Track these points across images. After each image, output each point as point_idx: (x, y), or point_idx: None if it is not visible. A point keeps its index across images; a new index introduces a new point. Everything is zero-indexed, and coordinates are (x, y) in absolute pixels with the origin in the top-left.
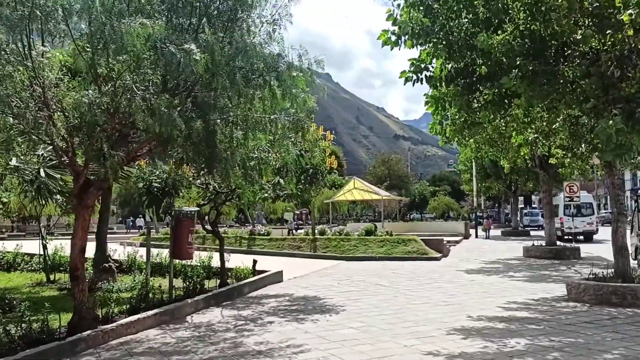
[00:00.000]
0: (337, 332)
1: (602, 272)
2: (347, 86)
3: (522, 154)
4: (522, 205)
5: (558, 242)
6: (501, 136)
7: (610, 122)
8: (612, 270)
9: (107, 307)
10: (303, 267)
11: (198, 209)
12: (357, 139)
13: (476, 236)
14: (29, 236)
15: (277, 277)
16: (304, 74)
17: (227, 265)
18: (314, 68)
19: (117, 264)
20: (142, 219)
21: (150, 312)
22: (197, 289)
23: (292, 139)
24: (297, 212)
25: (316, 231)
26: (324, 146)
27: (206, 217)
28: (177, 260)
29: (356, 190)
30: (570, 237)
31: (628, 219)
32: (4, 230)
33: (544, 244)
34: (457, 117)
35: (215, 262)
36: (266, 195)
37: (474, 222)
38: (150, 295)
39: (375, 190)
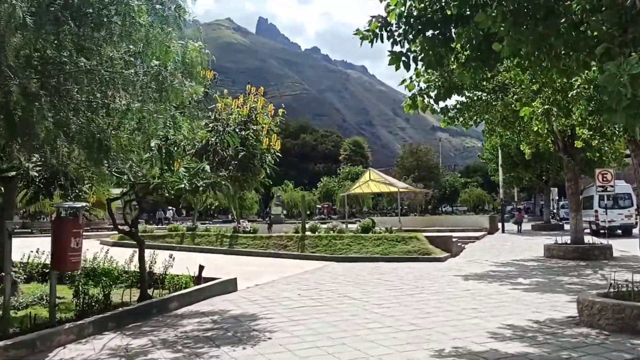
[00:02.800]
0: None
1: (627, 284)
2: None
3: (535, 130)
4: (557, 197)
5: (592, 238)
6: (515, 114)
7: (623, 64)
8: None
9: None
10: (280, 270)
11: (84, 204)
12: (393, 131)
13: (503, 231)
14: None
15: (228, 287)
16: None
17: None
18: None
19: (20, 273)
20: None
21: None
22: (93, 306)
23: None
24: (319, 205)
25: (306, 228)
26: (266, 122)
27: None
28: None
29: (372, 182)
30: (605, 231)
31: None
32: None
33: (569, 242)
34: (431, 79)
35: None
36: (181, 186)
37: (500, 216)
38: (25, 313)
39: (390, 181)
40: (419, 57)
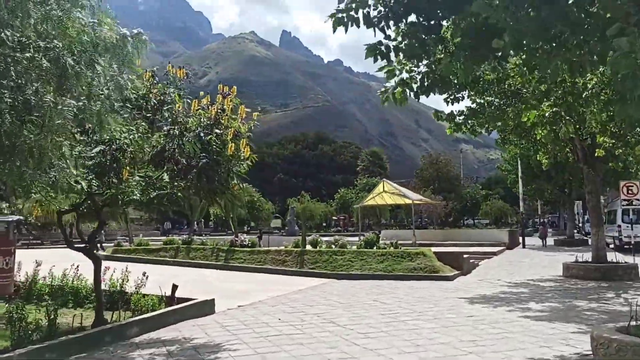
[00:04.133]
0: None
1: None
2: None
3: (538, 138)
4: (582, 210)
5: (616, 255)
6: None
7: (639, 40)
8: None
9: None
10: (272, 288)
11: (13, 218)
12: (416, 143)
13: (523, 246)
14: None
15: (204, 309)
16: None
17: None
18: None
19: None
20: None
21: None
22: (30, 335)
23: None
24: (336, 217)
25: (307, 242)
26: (233, 126)
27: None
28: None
29: (386, 193)
30: (629, 246)
31: None
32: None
33: (590, 260)
34: (415, 69)
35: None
36: (134, 197)
37: (520, 230)
38: None
39: (404, 192)
40: (401, 46)
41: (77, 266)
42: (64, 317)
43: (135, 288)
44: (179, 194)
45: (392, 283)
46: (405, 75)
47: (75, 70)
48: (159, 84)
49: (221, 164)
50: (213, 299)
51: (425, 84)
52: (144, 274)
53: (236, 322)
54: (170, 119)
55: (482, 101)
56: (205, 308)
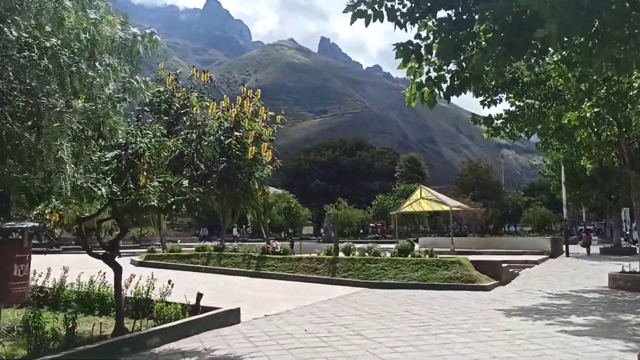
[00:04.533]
0: None
1: None
2: None
3: (578, 140)
4: (630, 218)
5: None
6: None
7: None
8: None
9: None
10: (302, 297)
11: (30, 224)
12: (456, 149)
13: (567, 254)
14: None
15: (229, 319)
16: None
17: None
18: None
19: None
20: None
21: None
22: (46, 344)
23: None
24: (373, 224)
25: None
26: (254, 128)
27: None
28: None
29: (423, 200)
30: None
31: None
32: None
33: (638, 270)
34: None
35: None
36: (152, 203)
37: (564, 237)
38: None
39: (442, 199)
40: (434, 44)
41: (104, 273)
42: (88, 325)
43: (160, 296)
44: (197, 199)
45: (426, 293)
46: (433, 74)
47: (71, 70)
48: (183, 88)
49: (242, 168)
50: (238, 308)
51: (455, 83)
52: (169, 281)
53: (260, 333)
54: (188, 123)
55: (521, 104)
56: (230, 318)
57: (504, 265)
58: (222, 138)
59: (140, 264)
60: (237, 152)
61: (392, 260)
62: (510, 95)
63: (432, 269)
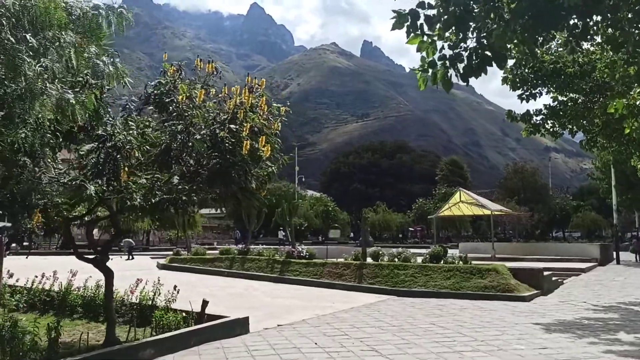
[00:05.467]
0: None
1: None
2: (491, 97)
3: (631, 128)
4: None
5: None
6: (619, 120)
7: None
8: None
9: None
10: (323, 305)
11: (1, 224)
12: (502, 152)
13: (617, 262)
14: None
15: (235, 329)
16: None
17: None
18: None
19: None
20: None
21: None
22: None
23: None
24: (412, 228)
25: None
26: (253, 119)
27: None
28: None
29: (463, 203)
30: None
31: None
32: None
33: None
34: (460, 47)
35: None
36: (135, 202)
37: (614, 244)
38: None
39: (483, 203)
40: (443, 15)
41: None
42: (87, 333)
43: (165, 302)
44: (184, 198)
45: (457, 303)
46: (448, 52)
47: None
48: (187, 80)
49: (236, 164)
50: (247, 318)
51: (474, 62)
52: (174, 287)
53: (265, 346)
54: (175, 113)
55: (564, 98)
56: (237, 328)
57: (546, 273)
58: (217, 131)
59: (163, 267)
60: (229, 147)
61: (422, 267)
62: (551, 88)
63: (466, 277)
